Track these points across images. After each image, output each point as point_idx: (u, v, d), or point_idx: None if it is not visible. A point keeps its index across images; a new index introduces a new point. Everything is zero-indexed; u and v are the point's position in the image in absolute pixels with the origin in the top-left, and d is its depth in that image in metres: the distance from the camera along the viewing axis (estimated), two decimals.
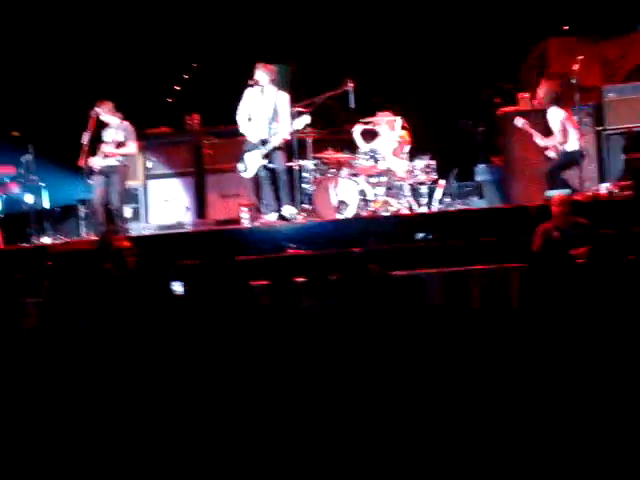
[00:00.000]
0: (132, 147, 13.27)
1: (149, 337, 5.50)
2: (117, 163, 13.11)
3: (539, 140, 12.46)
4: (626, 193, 12.02)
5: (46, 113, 14.84)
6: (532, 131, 12.48)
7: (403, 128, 13.55)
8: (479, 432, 4.77)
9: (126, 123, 13.28)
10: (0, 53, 15.79)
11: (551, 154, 12.41)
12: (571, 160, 12.36)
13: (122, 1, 16.16)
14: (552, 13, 15.07)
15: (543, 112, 13.64)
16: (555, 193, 11.95)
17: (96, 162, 13.06)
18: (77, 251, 11.16)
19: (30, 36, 15.91)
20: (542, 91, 12.56)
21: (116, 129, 13.21)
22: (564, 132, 12.28)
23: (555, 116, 12.35)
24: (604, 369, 4.61)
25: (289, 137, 12.75)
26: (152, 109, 16.28)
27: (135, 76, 16.26)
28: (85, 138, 13.04)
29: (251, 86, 12.76)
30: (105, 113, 13.21)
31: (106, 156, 13.10)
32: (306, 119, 12.66)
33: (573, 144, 12.33)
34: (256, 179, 12.97)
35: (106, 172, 13.07)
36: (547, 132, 12.82)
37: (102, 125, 13.23)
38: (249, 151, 12.78)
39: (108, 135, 13.22)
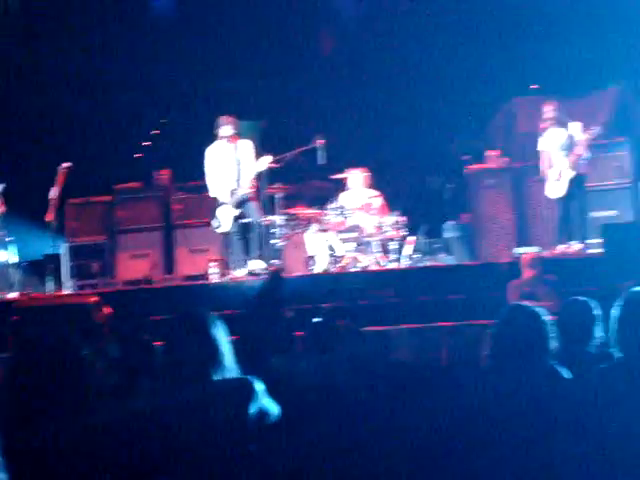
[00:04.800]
0: None
1: (125, 393, 5.43)
2: None
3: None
4: (595, 251, 12.08)
5: (14, 167, 14.77)
6: None
7: (372, 185, 13.61)
8: None
9: None
10: None
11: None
12: None
13: (91, 56, 16.16)
14: (520, 72, 15.24)
15: (509, 170, 13.81)
16: (525, 250, 12.06)
17: None
18: (43, 306, 11.06)
19: None
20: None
21: None
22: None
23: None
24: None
25: (255, 183, 12.72)
26: (121, 164, 16.26)
27: (104, 131, 16.25)
28: (53, 193, 13.01)
29: (216, 139, 12.75)
30: None
31: None
32: (267, 158, 12.59)
33: None
34: (226, 234, 12.95)
35: None
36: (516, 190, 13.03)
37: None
38: (220, 205, 12.74)
39: None
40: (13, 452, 3.95)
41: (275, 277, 10.54)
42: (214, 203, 12.86)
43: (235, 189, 12.62)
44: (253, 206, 12.67)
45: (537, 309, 4.86)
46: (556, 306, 7.43)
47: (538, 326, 4.78)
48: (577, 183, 12.37)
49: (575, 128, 12.34)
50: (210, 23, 16.29)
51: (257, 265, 12.56)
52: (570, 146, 12.30)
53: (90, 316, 10.05)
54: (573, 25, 14.83)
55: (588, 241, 12.38)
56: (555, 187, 12.36)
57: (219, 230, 12.88)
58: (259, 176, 12.73)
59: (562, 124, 12.35)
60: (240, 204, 12.63)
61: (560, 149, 12.35)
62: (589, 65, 14.74)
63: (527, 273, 10.56)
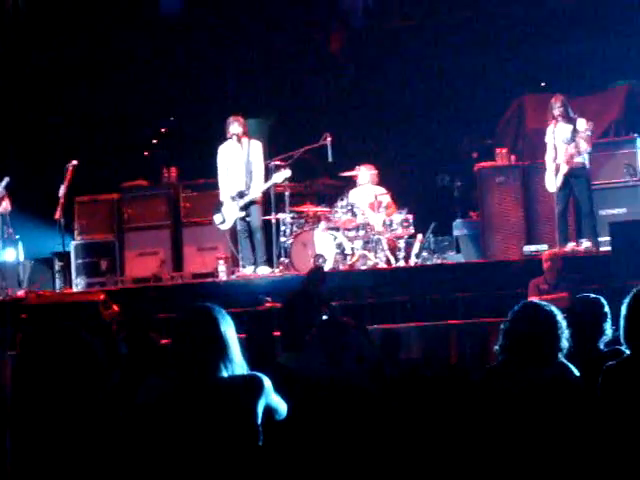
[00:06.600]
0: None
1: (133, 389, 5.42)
2: None
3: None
4: (603, 249, 12.03)
5: (22, 165, 14.77)
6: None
7: (380, 182, 13.60)
8: None
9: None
10: None
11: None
12: None
13: (100, 55, 16.16)
14: (530, 69, 15.20)
15: (519, 168, 13.76)
16: (535, 248, 12.04)
17: None
18: (52, 304, 11.07)
19: (7, 88, 15.88)
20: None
21: None
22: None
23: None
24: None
25: (265, 189, 12.74)
26: (129, 162, 16.25)
27: (112, 129, 16.24)
28: (62, 190, 13.00)
29: (226, 139, 12.77)
30: None
31: None
32: (286, 173, 12.67)
33: None
34: (234, 232, 12.95)
35: None
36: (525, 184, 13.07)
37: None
38: (226, 203, 12.77)
39: None
40: (22, 448, 3.95)
41: (316, 273, 10.53)
42: (220, 199, 12.88)
43: (244, 191, 12.64)
44: (256, 209, 12.70)
45: (549, 307, 4.84)
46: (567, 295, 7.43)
47: (549, 323, 4.76)
48: (575, 177, 12.31)
49: (580, 123, 12.30)
50: (217, 22, 16.27)
51: (263, 271, 12.56)
52: (572, 140, 12.26)
53: (99, 314, 10.06)
54: (582, 23, 14.80)
55: (600, 239, 12.31)
56: (553, 180, 12.34)
57: (222, 226, 12.92)
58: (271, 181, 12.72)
59: (569, 119, 12.31)
60: (246, 207, 12.66)
61: (563, 142, 12.32)
62: (599, 62, 14.71)
63: (547, 270, 10.55)
